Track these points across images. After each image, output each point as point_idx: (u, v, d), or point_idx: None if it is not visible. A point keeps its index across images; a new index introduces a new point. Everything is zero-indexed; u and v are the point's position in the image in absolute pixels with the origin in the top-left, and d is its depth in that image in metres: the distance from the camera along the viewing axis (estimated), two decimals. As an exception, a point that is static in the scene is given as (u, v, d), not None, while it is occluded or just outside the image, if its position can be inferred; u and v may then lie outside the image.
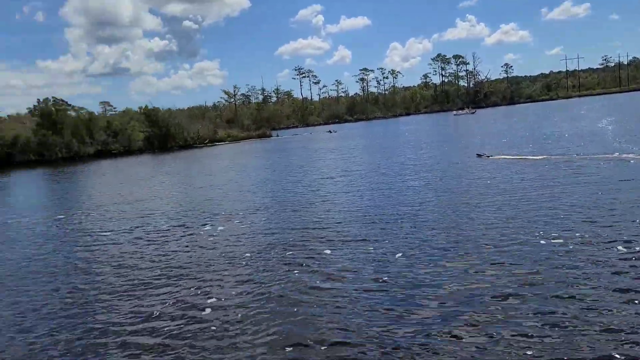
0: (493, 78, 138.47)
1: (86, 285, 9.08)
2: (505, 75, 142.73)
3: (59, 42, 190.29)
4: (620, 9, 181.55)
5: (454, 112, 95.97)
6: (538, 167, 18.14)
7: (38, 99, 64.91)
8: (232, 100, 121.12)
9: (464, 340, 5.69)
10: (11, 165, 53.17)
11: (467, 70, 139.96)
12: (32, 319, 7.58)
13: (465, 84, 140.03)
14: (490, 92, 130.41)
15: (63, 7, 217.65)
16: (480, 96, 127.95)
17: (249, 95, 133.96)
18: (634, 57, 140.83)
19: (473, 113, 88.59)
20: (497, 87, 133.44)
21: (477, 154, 23.62)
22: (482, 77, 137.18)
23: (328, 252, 9.78)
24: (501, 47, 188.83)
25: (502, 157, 22.18)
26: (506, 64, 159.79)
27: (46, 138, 58.08)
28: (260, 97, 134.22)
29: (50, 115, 61.05)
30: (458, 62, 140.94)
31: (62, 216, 17.44)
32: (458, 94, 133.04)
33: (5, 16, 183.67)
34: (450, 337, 5.80)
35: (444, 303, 6.77)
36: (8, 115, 73.11)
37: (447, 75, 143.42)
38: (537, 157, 20.72)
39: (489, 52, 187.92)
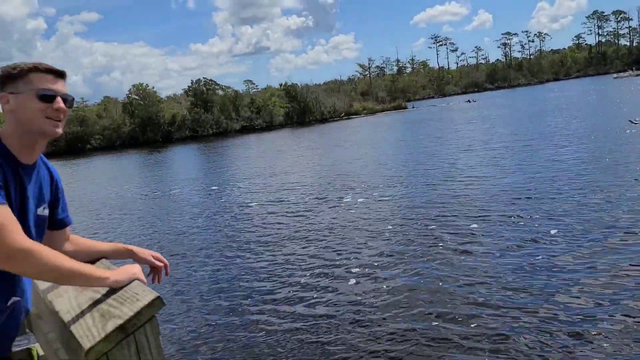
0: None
1: (235, 254, 9.78)
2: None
3: (208, 25, 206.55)
4: None
5: (614, 75, 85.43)
6: None
7: (191, 80, 70.96)
8: (367, 72, 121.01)
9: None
10: (170, 142, 59.30)
11: (629, 27, 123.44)
12: (185, 281, 8.39)
13: (627, 43, 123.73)
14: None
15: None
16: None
17: (384, 67, 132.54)
18: None
19: (638, 75, 77.87)
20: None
21: (629, 120, 21.20)
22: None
23: (474, 226, 9.34)
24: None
25: None
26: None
27: (199, 116, 63.70)
28: (395, 69, 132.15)
29: (202, 95, 66.75)
30: (619, 19, 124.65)
31: (215, 187, 19.01)
32: (618, 55, 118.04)
33: (164, 6, 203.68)
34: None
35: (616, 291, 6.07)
36: (167, 97, 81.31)
37: (605, 34, 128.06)
38: None
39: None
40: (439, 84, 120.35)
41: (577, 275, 6.59)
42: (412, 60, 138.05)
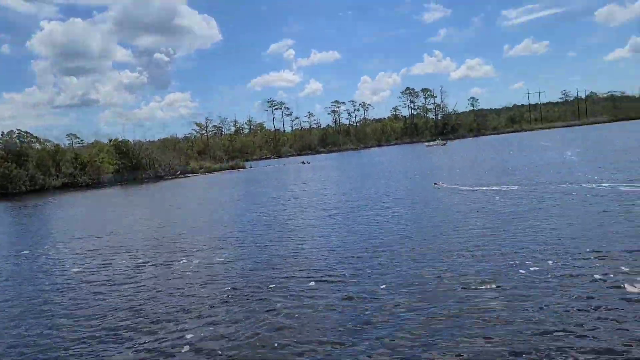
0: (460, 111, 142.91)
1: (50, 330, 8.56)
2: (471, 108, 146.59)
3: (25, 74, 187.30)
4: (576, 47, 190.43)
5: (426, 143, 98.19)
6: (494, 196, 18.36)
7: (2, 132, 63.46)
8: (204, 131, 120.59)
9: None
10: (-28, 199, 51.22)
11: (434, 103, 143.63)
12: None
13: (434, 117, 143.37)
14: (458, 125, 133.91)
15: (30, 39, 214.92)
16: (448, 128, 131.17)
17: (221, 127, 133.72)
18: (591, 92, 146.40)
19: (444, 144, 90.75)
20: (464, 120, 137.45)
21: (434, 183, 25.40)
22: (449, 110, 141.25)
23: (312, 284, 9.51)
24: (467, 81, 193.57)
25: (457, 186, 23.48)
26: (472, 97, 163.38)
27: (9, 171, 56.49)
28: (233, 129, 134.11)
29: (14, 148, 59.66)
30: (426, 96, 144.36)
31: (27, 252, 16.67)
32: (427, 127, 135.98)
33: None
34: None
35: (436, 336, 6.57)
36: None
37: (416, 108, 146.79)
38: (494, 188, 21.49)
39: (455, 86, 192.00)
40: (275, 145, 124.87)
41: (401, 322, 7.04)
42: (250, 121, 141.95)
